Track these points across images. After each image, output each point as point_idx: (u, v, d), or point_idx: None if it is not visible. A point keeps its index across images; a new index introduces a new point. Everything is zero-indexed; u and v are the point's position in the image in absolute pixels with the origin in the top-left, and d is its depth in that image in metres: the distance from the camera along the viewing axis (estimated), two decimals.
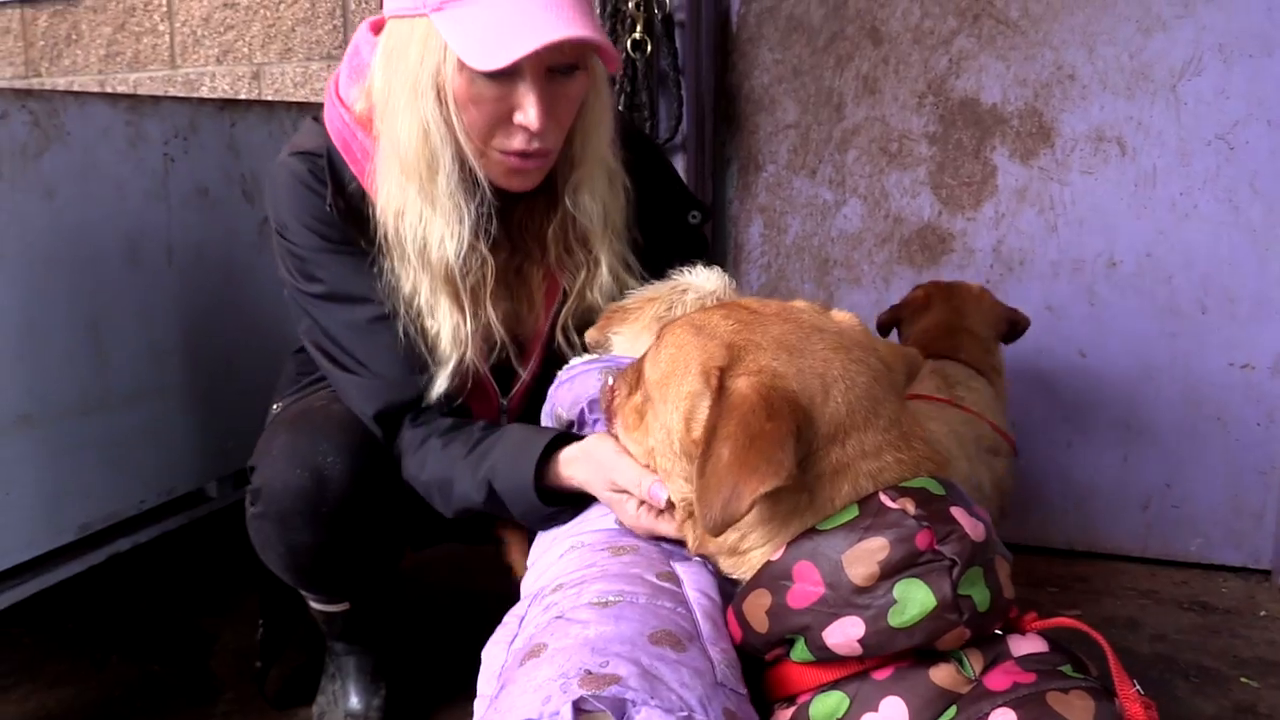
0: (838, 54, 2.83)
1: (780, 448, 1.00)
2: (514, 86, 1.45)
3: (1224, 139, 2.54)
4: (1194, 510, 2.72)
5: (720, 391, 1.05)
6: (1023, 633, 1.04)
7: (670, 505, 1.23)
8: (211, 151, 2.22)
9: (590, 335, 1.60)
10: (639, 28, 2.68)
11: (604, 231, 1.65)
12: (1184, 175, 2.59)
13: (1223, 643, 2.34)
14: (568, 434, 1.46)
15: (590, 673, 0.95)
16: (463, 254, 1.55)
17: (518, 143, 1.51)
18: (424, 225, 1.54)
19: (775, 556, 1.06)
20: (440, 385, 1.59)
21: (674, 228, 1.81)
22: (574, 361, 1.54)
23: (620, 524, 1.32)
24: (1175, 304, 2.65)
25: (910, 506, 1.02)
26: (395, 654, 2.07)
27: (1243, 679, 2.18)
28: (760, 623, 1.07)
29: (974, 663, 1.01)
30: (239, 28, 3.12)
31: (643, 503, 1.28)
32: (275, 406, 1.81)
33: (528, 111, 1.46)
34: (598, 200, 1.64)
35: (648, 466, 1.24)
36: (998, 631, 1.04)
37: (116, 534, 2.10)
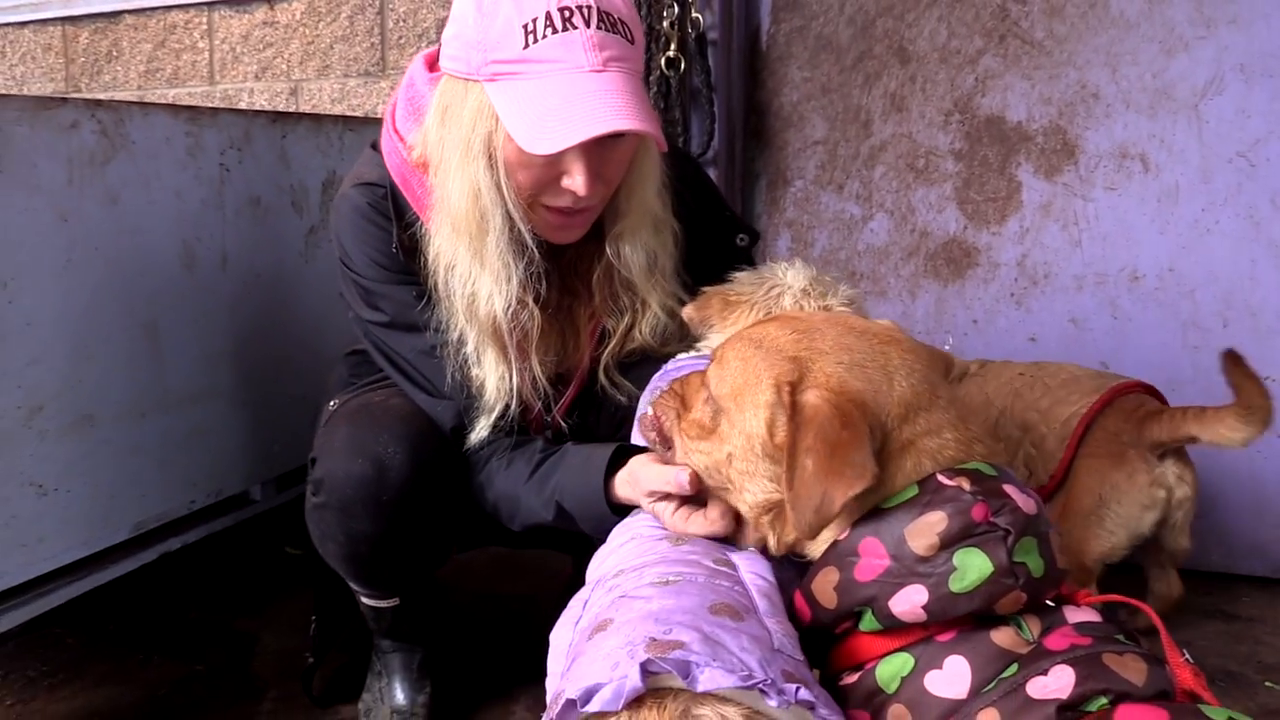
0: (866, 72, 2.90)
1: (859, 451, 1.09)
2: (562, 154, 1.51)
3: (1245, 156, 2.61)
4: (1217, 521, 2.76)
5: (794, 406, 1.13)
6: (1077, 604, 1.10)
7: (696, 493, 1.31)
8: (264, 162, 2.28)
9: (690, 312, 1.65)
10: (673, 46, 2.75)
11: (649, 278, 1.72)
12: (1206, 192, 2.65)
13: (1247, 649, 2.38)
14: (622, 450, 1.52)
15: (655, 640, 1.01)
16: (510, 311, 1.62)
17: (564, 202, 1.58)
18: (472, 281, 1.61)
19: (841, 536, 1.13)
20: (482, 431, 1.67)
21: (721, 251, 1.87)
22: (680, 357, 1.62)
23: None
24: (1197, 318, 2.70)
25: (966, 484, 1.10)
26: (440, 652, 2.12)
27: (1268, 684, 2.22)
28: (829, 598, 1.13)
29: (1032, 627, 1.08)
30: (278, 45, 3.20)
31: (680, 505, 1.35)
32: (331, 405, 1.87)
33: (575, 179, 1.53)
34: (640, 250, 1.70)
35: (719, 473, 1.28)
36: (1049, 603, 1.10)
37: (167, 533, 2.15)
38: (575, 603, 1.24)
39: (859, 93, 2.92)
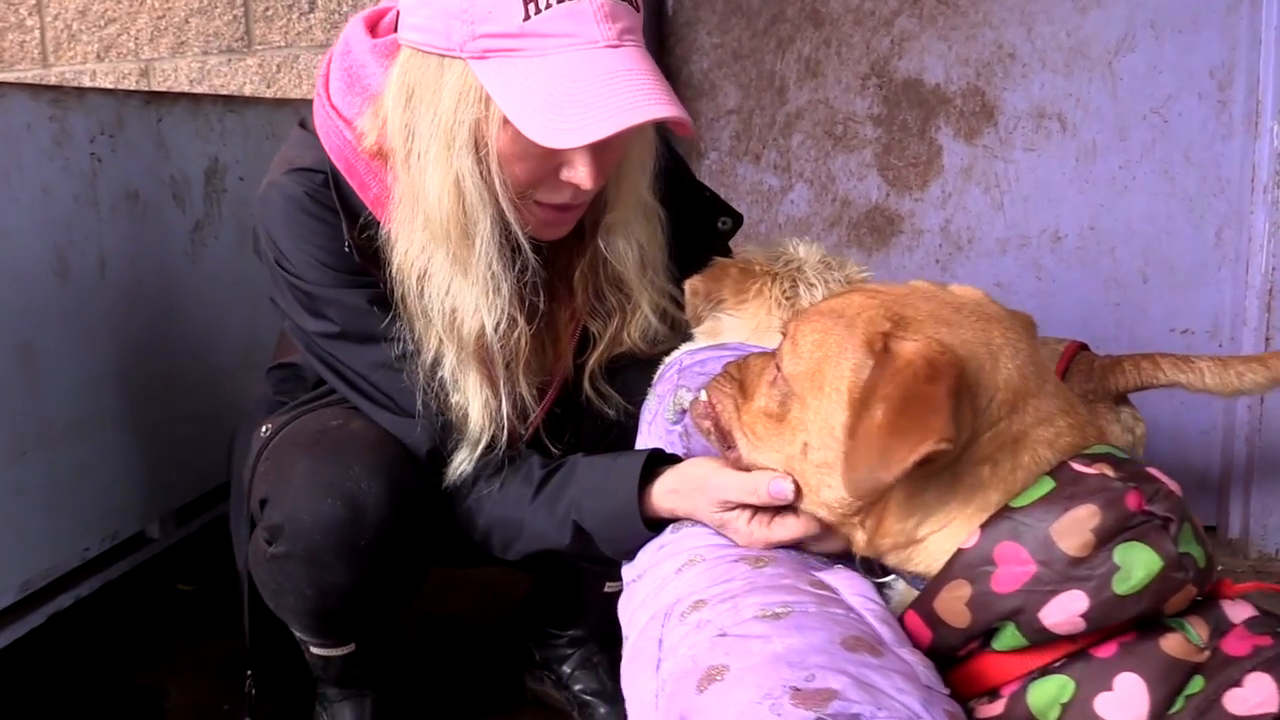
0: (778, 36, 2.78)
1: (937, 412, 0.94)
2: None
3: (1158, 113, 2.62)
4: None
5: (885, 354, 0.99)
6: (1228, 598, 0.99)
7: (794, 502, 1.13)
8: (140, 150, 1.98)
9: (698, 284, 1.46)
10: None
11: (641, 274, 1.53)
12: (1122, 149, 2.65)
13: None
14: (653, 459, 1.32)
15: (799, 689, 0.85)
16: (500, 328, 1.40)
17: (562, 197, 1.38)
18: (454, 294, 1.38)
19: (969, 544, 0.99)
20: (464, 465, 1.44)
21: (702, 237, 1.69)
22: (686, 348, 1.43)
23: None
24: (1118, 274, 2.71)
25: (1108, 470, 0.97)
26: (394, 695, 1.89)
27: None
28: (959, 616, 0.99)
29: (1199, 630, 0.96)
30: (122, 20, 2.83)
31: (755, 514, 1.17)
32: (264, 431, 1.60)
33: (579, 171, 1.32)
34: (633, 242, 1.51)
35: (791, 471, 1.11)
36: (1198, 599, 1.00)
37: (57, 589, 1.84)
38: (643, 641, 1.05)
39: (772, 58, 2.79)
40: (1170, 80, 2.60)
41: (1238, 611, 0.98)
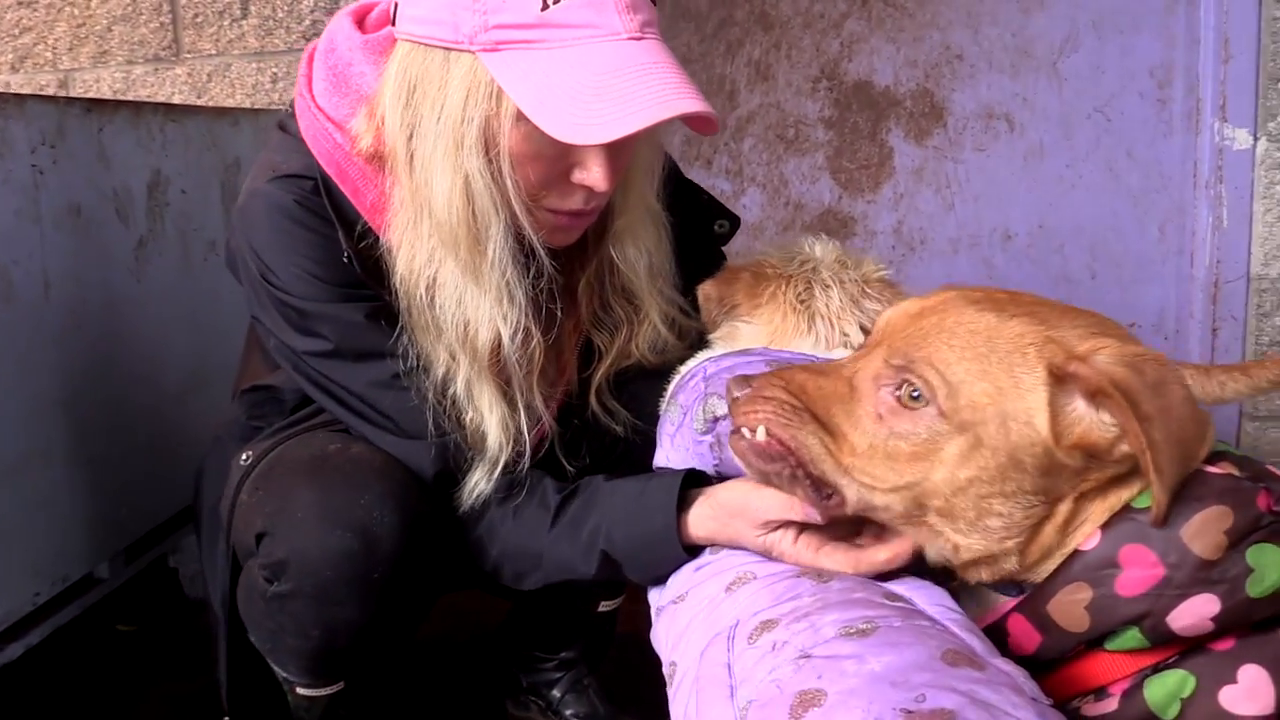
0: (728, 40, 2.76)
1: (1188, 401, 0.94)
2: (579, 144, 1.22)
3: (1102, 112, 2.68)
4: None
5: (1096, 381, 0.94)
6: None
7: (830, 527, 1.08)
8: (82, 162, 1.84)
9: (710, 290, 1.41)
10: None
11: (651, 282, 1.46)
12: (1068, 148, 2.70)
13: None
14: (689, 480, 1.26)
15: (910, 711, 0.80)
16: (517, 339, 1.32)
17: (575, 202, 1.31)
18: (466, 306, 1.30)
19: (1089, 545, 0.95)
20: (480, 485, 1.35)
21: (701, 242, 1.63)
22: (704, 355, 1.36)
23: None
24: (1067, 271, 2.76)
25: (1234, 470, 0.96)
26: None
27: None
28: (1078, 621, 0.95)
29: None
30: (38, 29, 2.66)
31: (801, 532, 1.12)
32: (244, 459, 1.49)
33: (593, 172, 1.25)
34: (643, 249, 1.44)
35: (919, 508, 1.02)
36: None
37: (7, 639, 1.69)
38: (709, 667, 0.99)
39: (722, 62, 2.77)
40: (1113, 80, 2.66)
41: None
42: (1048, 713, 0.84)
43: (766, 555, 1.14)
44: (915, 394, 0.98)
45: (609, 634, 1.91)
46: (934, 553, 1.05)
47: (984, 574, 1.05)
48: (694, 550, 1.23)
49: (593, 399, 1.50)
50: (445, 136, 1.24)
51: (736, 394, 1.08)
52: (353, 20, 1.38)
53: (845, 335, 1.34)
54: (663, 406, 1.41)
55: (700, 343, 1.55)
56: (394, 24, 1.28)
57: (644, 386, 1.52)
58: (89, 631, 2.30)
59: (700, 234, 1.63)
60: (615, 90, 1.17)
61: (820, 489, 1.04)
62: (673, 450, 1.30)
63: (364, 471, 1.33)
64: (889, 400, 0.99)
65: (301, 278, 1.34)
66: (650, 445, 1.47)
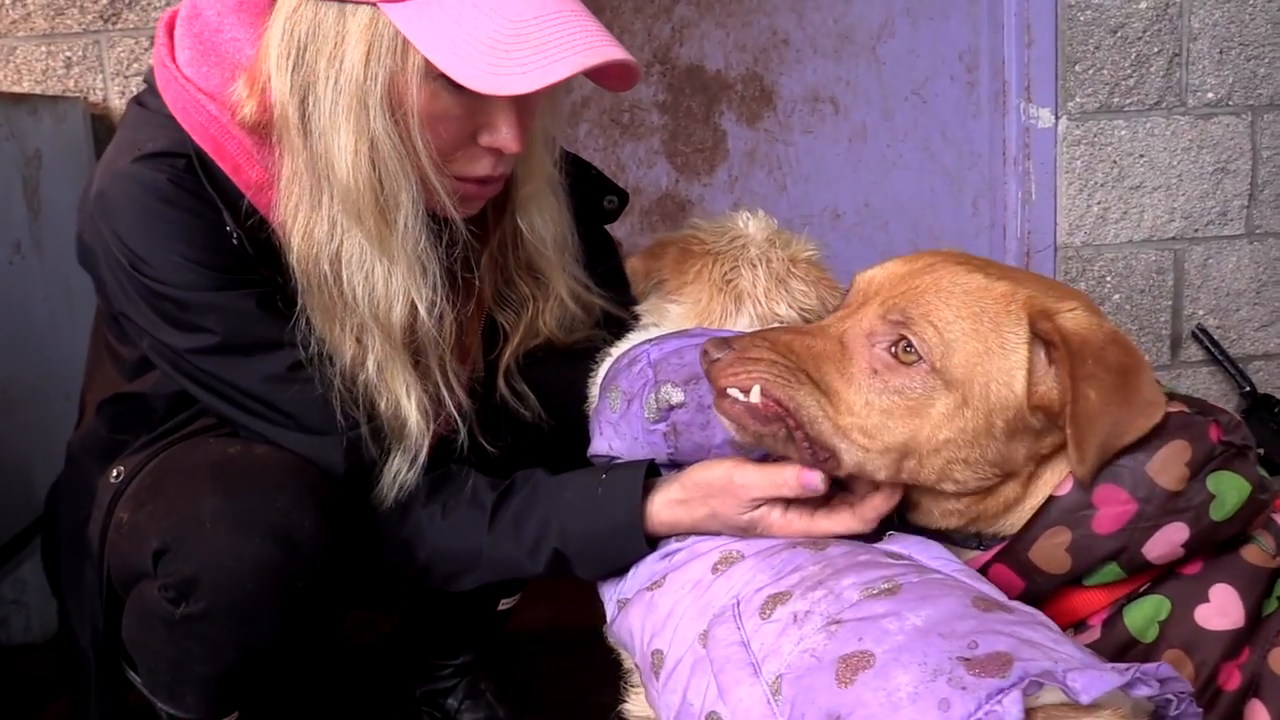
0: None
1: (1148, 380, 0.98)
2: (485, 101, 1.18)
3: (918, 94, 2.81)
4: None
5: (1060, 334, 0.98)
6: (1278, 510, 1.07)
7: (829, 490, 1.08)
8: None
9: (637, 264, 1.36)
10: None
11: (559, 255, 1.42)
12: (889, 129, 2.83)
13: None
14: (635, 470, 1.22)
15: (968, 659, 0.80)
16: (437, 313, 1.24)
17: (482, 168, 1.25)
18: (376, 282, 1.21)
19: (1063, 491, 0.99)
20: (405, 477, 1.26)
21: (591, 217, 1.58)
22: (636, 337, 1.31)
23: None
24: (892, 247, 2.88)
25: (1183, 407, 1.01)
26: None
27: None
28: (1059, 563, 1.00)
29: (1266, 540, 1.03)
30: None
31: (789, 506, 1.10)
32: (114, 475, 1.32)
33: (502, 133, 1.20)
34: (549, 220, 1.39)
35: (899, 467, 1.03)
36: None
37: None
38: (721, 649, 0.95)
39: None
40: (926, 64, 2.80)
41: None
42: (1078, 644, 0.86)
43: (747, 532, 1.11)
44: (909, 348, 0.99)
45: (503, 634, 1.84)
46: None
47: (937, 520, 1.09)
48: (654, 543, 1.20)
49: (501, 382, 1.43)
50: (346, 97, 1.15)
51: (716, 356, 1.05)
52: None
53: (777, 315, 1.33)
54: (592, 391, 1.36)
55: (608, 321, 1.51)
56: None
57: (553, 370, 1.47)
58: None
59: (589, 209, 1.59)
60: (535, 37, 1.11)
61: (816, 451, 1.03)
62: (616, 438, 1.25)
63: (275, 471, 1.21)
64: (884, 356, 1.01)
65: (181, 266, 1.21)
66: (568, 430, 1.42)
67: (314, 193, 1.19)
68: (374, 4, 1.13)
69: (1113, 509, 0.99)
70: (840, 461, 1.03)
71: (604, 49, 1.14)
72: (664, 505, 1.17)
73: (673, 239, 1.41)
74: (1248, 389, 2.72)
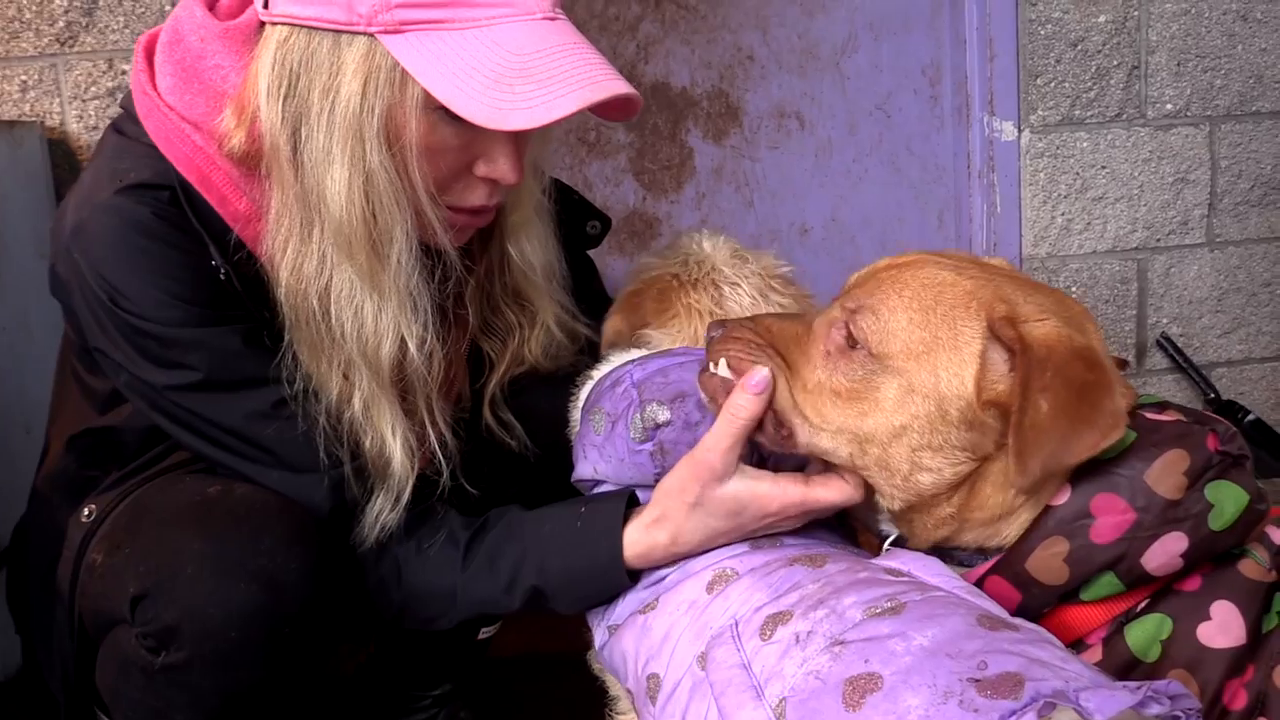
0: None
1: (1110, 397, 0.97)
2: (484, 133, 1.16)
3: (882, 109, 2.83)
4: None
5: (1022, 341, 0.97)
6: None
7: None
8: None
9: (619, 325, 1.35)
10: None
11: (547, 282, 1.41)
12: (854, 144, 2.84)
13: None
14: (615, 502, 1.20)
15: (978, 679, 0.80)
16: (427, 350, 1.23)
17: (477, 198, 1.24)
18: (365, 318, 1.19)
19: (1060, 500, 0.99)
20: (387, 517, 1.23)
21: (574, 243, 1.57)
22: (616, 360, 1.29)
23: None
24: (860, 261, 2.76)
25: (1180, 416, 1.02)
26: None
27: None
28: (1057, 574, 1.00)
29: (1259, 553, 1.03)
30: None
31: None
32: (85, 514, 1.29)
33: (500, 164, 1.20)
34: (538, 246, 1.39)
35: (863, 455, 1.06)
36: None
37: None
38: (722, 671, 0.94)
39: None
40: (889, 78, 2.81)
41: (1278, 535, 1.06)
42: (1086, 662, 0.86)
43: (736, 515, 1.11)
44: (855, 336, 1.03)
45: (483, 663, 1.81)
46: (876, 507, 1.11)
47: (930, 532, 1.09)
48: (636, 576, 1.18)
49: (486, 411, 1.41)
50: (341, 129, 1.13)
51: (713, 334, 1.13)
52: (203, 3, 1.22)
53: None
54: (573, 415, 1.34)
55: (590, 348, 1.50)
56: (265, 6, 1.15)
57: (536, 397, 1.45)
58: None
59: (572, 235, 1.58)
60: (540, 71, 1.11)
61: (779, 427, 1.09)
62: (601, 461, 1.24)
63: (258, 512, 1.18)
64: (838, 340, 1.05)
65: (164, 302, 1.18)
66: (553, 458, 1.40)
67: (304, 226, 1.17)
68: (370, 34, 1.11)
69: (1111, 518, 0.99)
70: (795, 437, 1.08)
71: (609, 83, 1.14)
72: (641, 530, 1.16)
73: (640, 288, 1.40)
74: (1212, 395, 2.75)
